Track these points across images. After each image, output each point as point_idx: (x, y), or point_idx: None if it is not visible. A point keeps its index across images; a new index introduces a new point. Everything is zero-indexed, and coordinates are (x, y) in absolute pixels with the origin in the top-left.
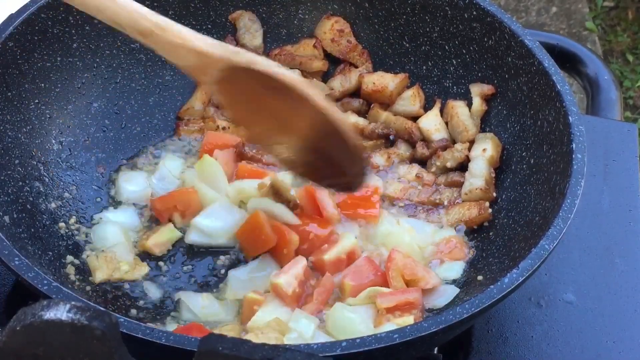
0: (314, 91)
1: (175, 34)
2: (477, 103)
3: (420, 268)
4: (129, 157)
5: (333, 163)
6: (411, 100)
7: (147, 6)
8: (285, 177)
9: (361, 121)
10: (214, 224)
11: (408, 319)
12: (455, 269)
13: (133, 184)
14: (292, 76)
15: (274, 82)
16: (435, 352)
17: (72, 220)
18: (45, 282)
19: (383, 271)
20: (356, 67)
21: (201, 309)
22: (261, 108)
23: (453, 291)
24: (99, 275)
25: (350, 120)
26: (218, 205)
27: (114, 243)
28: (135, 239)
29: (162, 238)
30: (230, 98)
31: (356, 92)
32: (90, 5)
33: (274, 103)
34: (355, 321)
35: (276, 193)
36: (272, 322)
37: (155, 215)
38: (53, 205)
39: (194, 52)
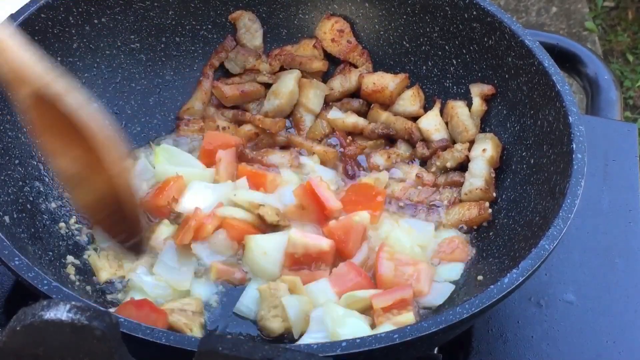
0: (113, 146)
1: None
2: (477, 103)
3: (409, 269)
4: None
5: (123, 223)
6: (411, 100)
7: (147, 6)
8: (271, 208)
9: (361, 121)
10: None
11: (408, 316)
12: (456, 270)
13: None
14: (98, 125)
15: (76, 124)
16: (435, 352)
17: (73, 220)
18: (45, 282)
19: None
20: (356, 67)
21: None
22: (66, 145)
23: (449, 288)
24: (104, 275)
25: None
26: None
27: None
28: None
29: (162, 235)
30: (39, 120)
31: (356, 92)
32: None
33: (75, 143)
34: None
35: (263, 221)
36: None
37: (153, 213)
38: (53, 205)
39: (10, 65)
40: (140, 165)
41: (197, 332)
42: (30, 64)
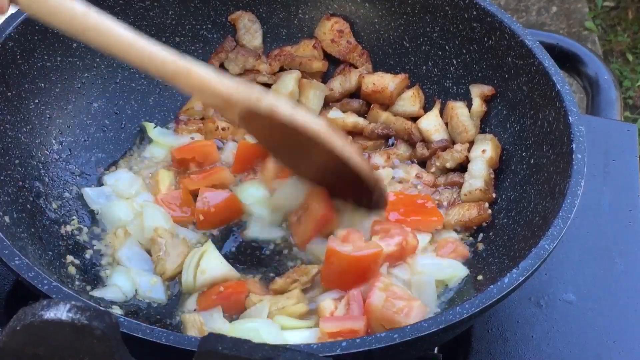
0: (336, 137)
1: (198, 78)
2: (477, 104)
3: (400, 303)
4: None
5: (351, 190)
6: (411, 100)
7: (147, 6)
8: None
9: (361, 121)
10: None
11: None
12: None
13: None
14: (314, 124)
15: (295, 128)
16: (435, 352)
17: (73, 220)
18: (45, 282)
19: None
20: (356, 67)
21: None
22: (282, 141)
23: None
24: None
25: (351, 121)
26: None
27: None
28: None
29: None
30: (253, 130)
31: (356, 93)
32: (114, 47)
33: (294, 140)
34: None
35: None
36: None
37: (173, 164)
38: (53, 205)
39: (217, 96)
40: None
41: None
42: (235, 90)
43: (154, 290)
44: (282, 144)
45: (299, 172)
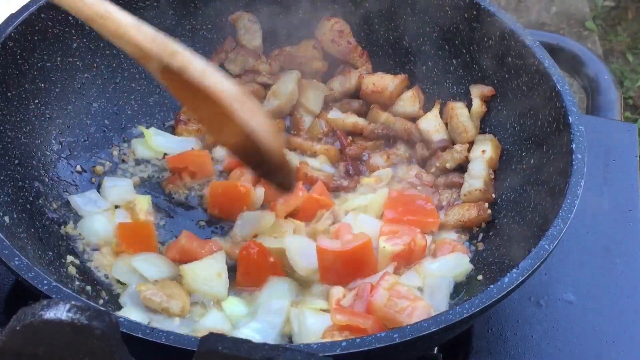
0: (245, 106)
1: (116, 24)
2: (477, 104)
3: (404, 302)
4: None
5: (265, 165)
6: (411, 101)
7: (147, 6)
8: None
9: (361, 121)
10: None
11: None
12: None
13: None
14: (221, 88)
15: (202, 91)
16: (435, 351)
17: (72, 220)
18: (45, 282)
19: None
20: (356, 68)
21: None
22: (199, 103)
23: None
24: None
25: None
26: None
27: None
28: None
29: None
30: (173, 87)
31: (356, 93)
32: None
33: (207, 104)
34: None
35: None
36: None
37: (170, 170)
38: (53, 205)
39: (133, 44)
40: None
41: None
42: (149, 41)
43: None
44: (199, 105)
45: (219, 138)
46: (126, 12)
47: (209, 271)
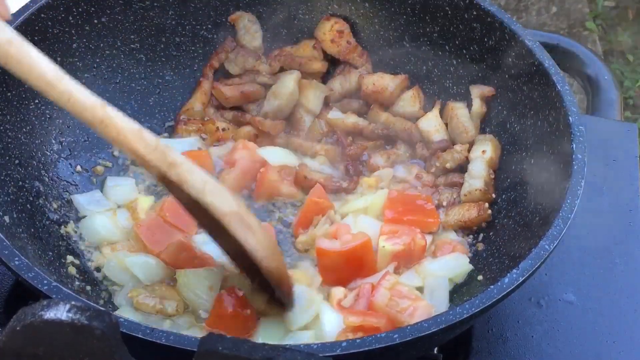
0: (242, 226)
1: (116, 131)
2: (477, 104)
3: (405, 302)
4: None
5: (263, 278)
6: (411, 101)
7: (147, 6)
8: None
9: (361, 122)
10: None
11: None
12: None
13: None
14: (221, 207)
15: (201, 206)
16: (435, 352)
17: (73, 220)
18: (45, 282)
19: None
20: (356, 68)
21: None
22: (198, 212)
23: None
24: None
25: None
26: None
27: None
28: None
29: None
30: (172, 193)
31: (356, 93)
32: (36, 84)
33: (206, 215)
34: None
35: None
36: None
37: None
38: (53, 205)
39: (133, 152)
40: None
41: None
42: (149, 151)
43: None
44: (197, 214)
45: (220, 244)
46: (127, 118)
47: (202, 282)
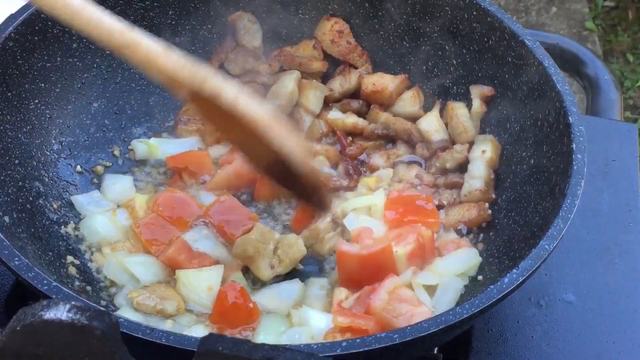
0: (279, 130)
1: (145, 52)
2: (477, 105)
3: (404, 307)
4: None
5: (300, 186)
6: (411, 101)
7: (147, 6)
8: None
9: (361, 122)
10: None
11: None
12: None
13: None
14: (255, 113)
15: (234, 116)
16: (435, 352)
17: (73, 220)
18: (45, 282)
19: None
20: (356, 68)
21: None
22: (231, 127)
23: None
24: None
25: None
26: None
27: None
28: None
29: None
30: (203, 112)
31: (356, 93)
32: (62, 14)
33: (239, 128)
34: None
35: None
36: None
37: (171, 170)
38: (53, 205)
39: (162, 72)
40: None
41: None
42: (179, 68)
43: None
44: (231, 128)
45: (251, 159)
46: (154, 39)
47: (201, 282)
